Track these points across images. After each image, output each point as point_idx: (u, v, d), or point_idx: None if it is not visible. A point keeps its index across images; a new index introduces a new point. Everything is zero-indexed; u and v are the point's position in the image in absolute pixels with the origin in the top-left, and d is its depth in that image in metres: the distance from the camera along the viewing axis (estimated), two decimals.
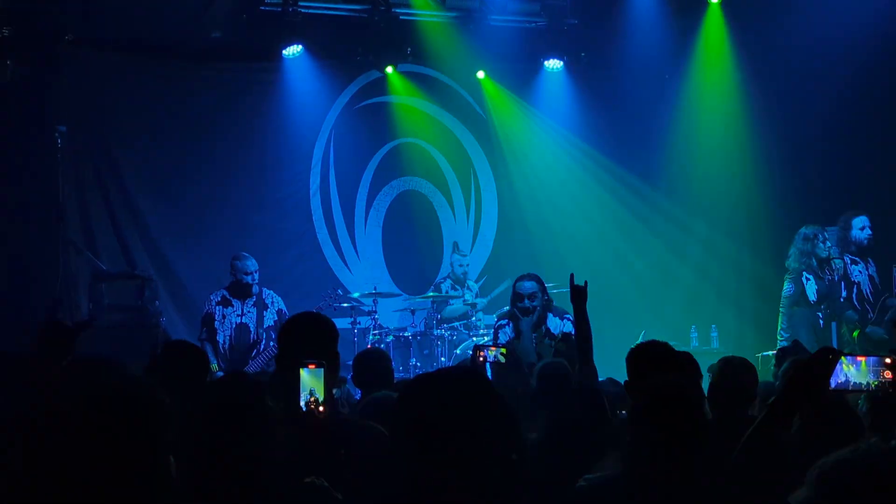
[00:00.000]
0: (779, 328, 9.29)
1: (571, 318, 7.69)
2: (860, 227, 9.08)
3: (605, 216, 12.21)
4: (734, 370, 4.60)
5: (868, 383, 2.70)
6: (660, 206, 12.04)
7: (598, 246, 12.02)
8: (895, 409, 3.29)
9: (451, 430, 2.32)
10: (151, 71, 10.64)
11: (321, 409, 3.15)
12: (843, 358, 2.71)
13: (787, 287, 9.24)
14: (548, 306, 8.14)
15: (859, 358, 2.73)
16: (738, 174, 11.82)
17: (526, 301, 8.06)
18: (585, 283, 5.39)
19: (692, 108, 11.85)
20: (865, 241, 9.09)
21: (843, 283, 9.09)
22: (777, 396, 2.74)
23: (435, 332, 10.30)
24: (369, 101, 11.77)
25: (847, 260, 9.15)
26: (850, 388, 2.73)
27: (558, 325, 8.01)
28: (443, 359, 10.15)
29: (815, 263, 9.13)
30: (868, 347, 8.21)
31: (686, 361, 4.31)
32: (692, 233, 12.11)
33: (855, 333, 9.02)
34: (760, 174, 11.67)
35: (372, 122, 11.80)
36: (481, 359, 5.67)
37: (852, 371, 2.71)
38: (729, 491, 2.81)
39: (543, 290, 8.15)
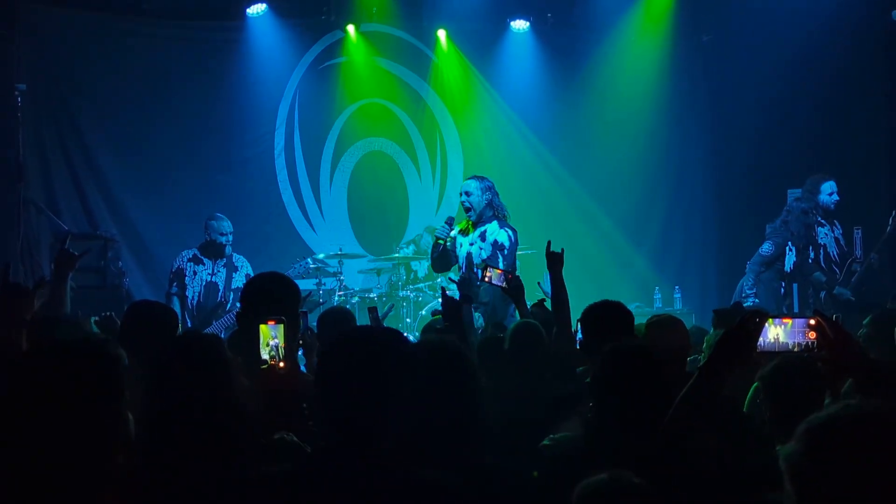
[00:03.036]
0: (743, 285, 9.37)
1: (512, 234, 7.86)
2: (829, 192, 9.20)
3: (572, 176, 12.23)
4: (661, 329, 4.66)
5: (795, 344, 2.75)
6: (626, 166, 12.07)
7: (565, 206, 12.07)
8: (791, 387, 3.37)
9: (361, 383, 2.50)
10: (113, 28, 10.47)
11: (281, 364, 3.21)
12: (770, 320, 2.76)
13: (766, 247, 9.32)
14: (494, 213, 8.00)
15: (786, 320, 2.77)
16: (701, 133, 11.99)
17: (462, 196, 8.06)
18: (562, 249, 5.51)
19: (648, 69, 11.98)
20: (832, 206, 9.22)
21: (810, 246, 9.21)
22: (706, 360, 2.80)
23: (400, 294, 10.32)
24: (334, 61, 11.68)
25: (816, 217, 9.26)
26: (778, 349, 2.78)
27: (494, 232, 7.91)
28: (408, 320, 10.17)
29: (803, 240, 9.25)
30: (835, 309, 8.36)
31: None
32: (657, 193, 12.20)
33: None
34: (725, 134, 11.80)
35: (337, 83, 11.72)
36: (487, 279, 5.93)
37: (780, 332, 2.76)
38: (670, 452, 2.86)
39: (487, 191, 8.00)
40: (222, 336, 6.31)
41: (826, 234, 9.25)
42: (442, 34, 11.86)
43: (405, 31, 11.87)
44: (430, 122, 12.26)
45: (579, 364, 4.71)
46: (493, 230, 7.92)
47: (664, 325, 4.68)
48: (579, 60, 12.09)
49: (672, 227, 12.28)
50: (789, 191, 10.01)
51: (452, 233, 8.08)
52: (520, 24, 11.76)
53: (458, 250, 8.05)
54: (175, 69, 10.75)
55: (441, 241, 7.97)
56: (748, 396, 4.28)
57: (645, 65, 12.00)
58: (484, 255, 7.78)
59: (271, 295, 3.71)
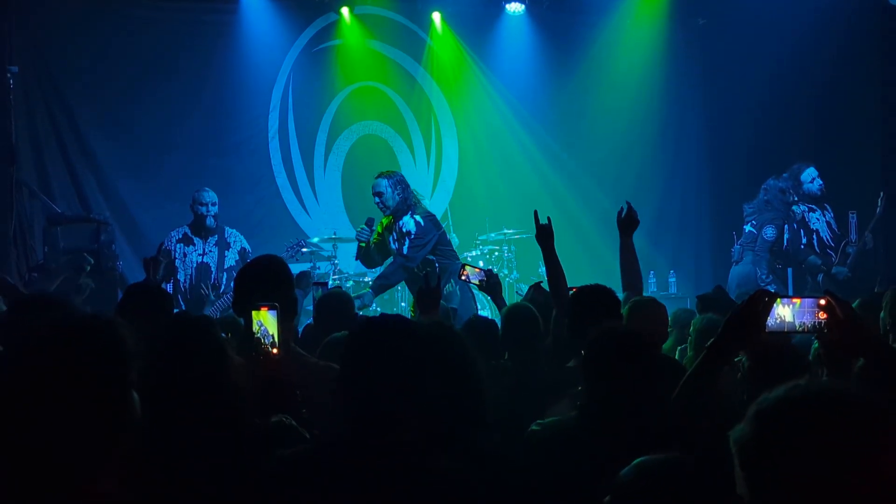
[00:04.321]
0: (755, 274, 9.40)
1: (420, 220, 7.89)
2: (809, 179, 9.28)
3: (569, 157, 12.20)
4: (640, 311, 4.65)
5: (803, 324, 2.72)
6: (622, 147, 12.03)
7: (563, 187, 12.06)
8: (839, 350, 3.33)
9: (390, 371, 2.52)
10: (106, 10, 10.38)
11: (274, 350, 3.19)
12: (777, 300, 2.73)
13: (769, 232, 9.34)
14: (407, 205, 8.13)
15: (794, 300, 2.74)
16: (696, 116, 12.00)
17: (375, 198, 8.21)
18: (548, 219, 5.19)
19: (643, 51, 11.96)
20: (818, 192, 9.30)
21: (801, 231, 9.23)
22: (715, 339, 2.78)
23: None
24: (328, 44, 11.62)
25: (805, 208, 9.29)
26: (786, 329, 2.76)
27: (405, 224, 8.05)
28: (402, 304, 10.15)
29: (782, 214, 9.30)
30: (834, 288, 8.39)
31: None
32: (653, 174, 12.18)
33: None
34: (721, 117, 11.80)
35: (331, 65, 11.67)
36: (464, 278, 5.91)
37: (787, 313, 2.73)
38: (677, 433, 2.84)
39: (398, 186, 8.16)
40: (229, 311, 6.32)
41: (818, 219, 9.31)
42: (437, 16, 11.80)
43: (399, 13, 11.81)
44: (425, 105, 12.21)
45: (578, 351, 4.68)
46: (404, 221, 8.10)
47: (644, 306, 4.67)
48: (574, 43, 12.05)
49: (667, 209, 12.27)
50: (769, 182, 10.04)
51: (372, 237, 8.27)
52: (515, 7, 11.71)
53: (392, 247, 8.24)
54: (168, 52, 10.68)
55: (362, 244, 8.13)
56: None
57: (640, 48, 11.98)
58: (405, 250, 8.00)
59: (264, 281, 3.69)
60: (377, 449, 2.48)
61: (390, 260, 8.25)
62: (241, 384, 2.81)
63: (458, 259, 8.57)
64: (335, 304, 5.57)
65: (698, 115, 12.25)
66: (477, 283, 5.98)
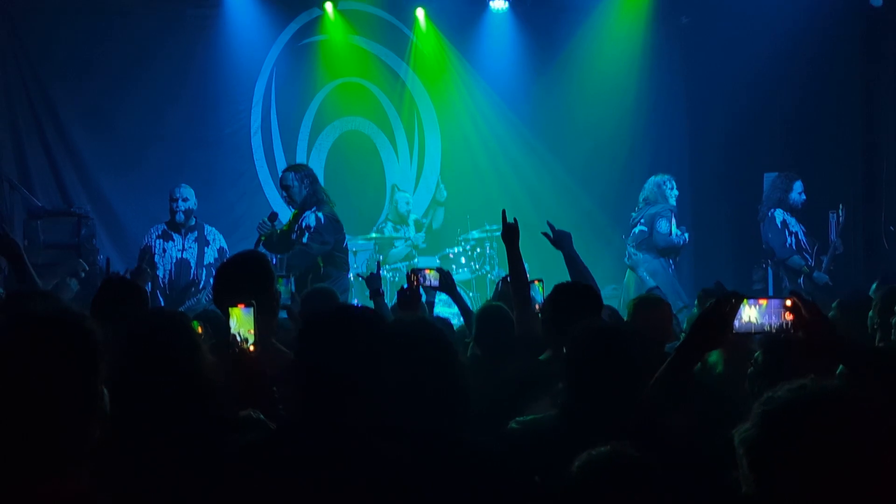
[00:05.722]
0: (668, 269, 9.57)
1: (321, 217, 7.83)
2: (799, 190, 9.44)
3: (552, 154, 12.21)
4: (644, 309, 4.70)
5: (770, 325, 2.76)
6: (605, 145, 12.05)
7: (546, 184, 12.07)
8: (788, 353, 3.37)
9: (340, 365, 2.57)
10: (88, 4, 10.35)
11: (251, 347, 3.20)
12: (745, 301, 2.76)
13: (664, 224, 9.45)
14: (315, 200, 8.01)
15: (761, 301, 2.78)
16: (678, 114, 12.08)
17: (282, 192, 8.15)
18: (515, 220, 5.23)
19: (626, 49, 12.00)
20: (800, 205, 9.45)
21: (785, 231, 9.36)
22: (683, 341, 2.81)
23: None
24: (311, 39, 11.61)
25: (783, 212, 9.43)
26: (753, 330, 2.79)
27: (306, 218, 7.92)
28: (386, 300, 10.13)
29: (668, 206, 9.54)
30: (815, 292, 8.58)
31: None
32: (635, 173, 12.20)
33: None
34: (702, 116, 11.86)
35: (314, 61, 11.65)
36: (419, 283, 5.80)
37: (754, 313, 2.76)
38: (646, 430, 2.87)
39: (305, 179, 8.04)
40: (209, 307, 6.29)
41: (796, 224, 9.46)
42: (420, 13, 11.80)
43: (383, 9, 11.79)
44: (408, 102, 12.21)
45: (545, 345, 4.71)
46: (306, 216, 7.96)
47: (648, 303, 4.73)
48: (558, 41, 12.06)
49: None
50: (766, 174, 10.09)
51: (282, 227, 8.12)
52: (499, 4, 11.72)
53: (292, 238, 8.04)
54: (150, 46, 10.63)
55: (262, 237, 7.94)
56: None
57: (624, 45, 11.99)
58: (304, 241, 7.83)
59: (245, 277, 3.71)
60: (322, 433, 2.51)
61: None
62: (213, 379, 2.81)
63: (348, 271, 8.44)
64: (321, 299, 5.59)
65: (681, 112, 12.29)
66: (433, 285, 5.79)
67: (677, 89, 12.27)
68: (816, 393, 1.88)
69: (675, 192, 9.67)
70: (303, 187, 8.01)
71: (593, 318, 3.77)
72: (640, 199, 9.75)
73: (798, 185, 9.44)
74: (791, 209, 9.43)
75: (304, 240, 7.82)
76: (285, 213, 8.44)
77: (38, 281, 4.97)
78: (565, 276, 5.02)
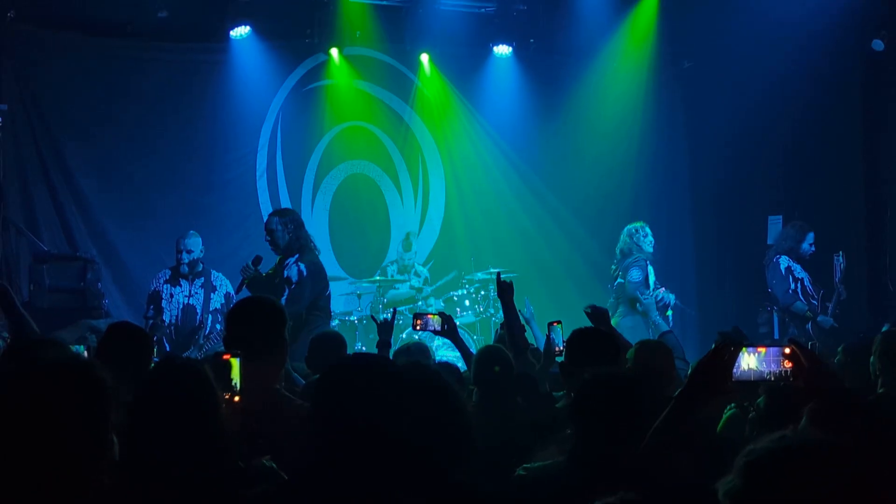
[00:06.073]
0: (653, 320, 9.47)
1: (303, 267, 7.80)
2: (810, 242, 9.49)
3: (555, 197, 12.25)
4: (649, 353, 4.70)
5: (769, 373, 2.75)
6: (608, 187, 12.07)
7: (550, 227, 12.10)
8: (790, 399, 3.36)
9: (361, 415, 2.56)
10: (96, 50, 10.45)
11: (236, 398, 3.20)
12: (743, 349, 2.76)
13: (635, 273, 9.43)
14: (299, 246, 7.98)
15: (760, 349, 2.77)
16: (680, 157, 12.13)
17: (267, 237, 8.04)
18: (510, 280, 5.65)
19: (629, 94, 12.06)
20: (808, 256, 9.49)
21: (789, 278, 9.38)
22: (682, 389, 2.80)
23: (381, 317, 10.28)
24: (317, 84, 11.69)
25: (789, 260, 9.44)
26: (753, 378, 2.78)
27: (287, 268, 7.89)
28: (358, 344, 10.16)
29: (643, 255, 9.52)
30: (821, 336, 8.58)
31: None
32: (637, 215, 12.22)
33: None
34: (704, 159, 11.91)
35: (319, 105, 11.73)
36: (419, 326, 5.83)
37: (753, 361, 2.76)
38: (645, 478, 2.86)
39: (290, 224, 8.00)
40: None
41: (801, 270, 9.49)
42: (425, 58, 11.90)
43: (388, 54, 11.89)
44: (413, 146, 12.28)
45: (542, 385, 4.73)
46: (288, 264, 7.94)
47: (650, 347, 4.74)
48: (561, 85, 12.15)
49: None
50: (770, 217, 10.14)
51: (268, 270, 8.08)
52: (502, 49, 11.82)
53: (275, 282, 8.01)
54: (158, 91, 10.73)
55: (246, 280, 7.96)
56: (722, 420, 4.30)
57: (626, 90, 12.07)
58: (283, 300, 7.68)
59: (256, 323, 3.70)
60: (344, 490, 2.49)
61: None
62: (225, 427, 2.81)
63: (329, 317, 8.38)
64: (329, 344, 5.58)
65: (683, 156, 12.34)
66: (436, 330, 5.88)
67: (679, 133, 12.34)
68: (797, 443, 1.88)
69: (650, 238, 9.65)
70: (286, 232, 7.99)
71: (606, 366, 3.76)
72: (617, 251, 9.76)
73: (810, 237, 9.48)
74: (799, 258, 9.45)
75: (283, 299, 7.69)
76: (271, 258, 8.39)
77: (35, 328, 4.94)
78: (584, 318, 5.09)
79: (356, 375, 2.66)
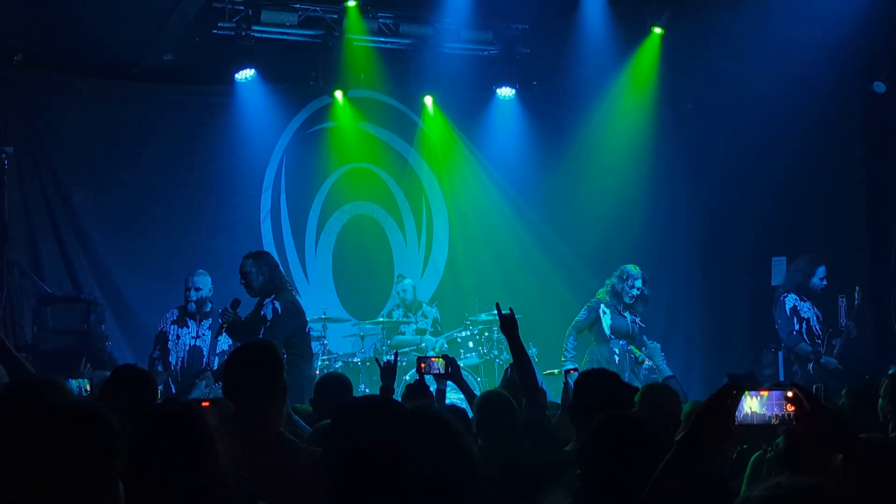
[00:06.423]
0: (565, 348, 9.43)
1: (279, 306, 7.80)
2: (821, 276, 9.43)
3: (560, 239, 12.26)
4: (656, 396, 4.67)
5: (773, 416, 2.73)
6: (613, 230, 12.07)
7: (554, 269, 12.09)
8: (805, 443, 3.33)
9: (372, 459, 2.56)
10: (102, 93, 10.54)
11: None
12: (746, 393, 2.74)
13: (581, 312, 9.46)
14: (273, 288, 7.99)
15: (762, 392, 2.76)
16: (684, 199, 12.15)
17: (242, 279, 8.06)
18: (510, 310, 5.12)
19: (632, 136, 12.11)
20: (819, 290, 9.42)
21: (794, 318, 9.33)
22: (684, 434, 2.78)
23: (384, 359, 10.24)
24: (321, 126, 11.75)
25: (795, 297, 9.39)
26: (755, 421, 2.76)
27: (264, 308, 7.90)
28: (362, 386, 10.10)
29: (615, 301, 9.43)
30: (825, 378, 8.51)
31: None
32: (642, 257, 12.21)
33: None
34: (708, 200, 11.94)
35: (324, 147, 11.78)
36: (425, 371, 5.78)
37: (756, 405, 2.74)
38: None
39: (264, 266, 8.05)
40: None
41: (808, 309, 9.43)
42: (429, 100, 11.97)
43: (392, 96, 11.97)
44: (416, 187, 12.32)
45: (555, 432, 4.67)
46: (265, 304, 7.97)
47: (656, 392, 4.71)
48: (564, 127, 12.20)
49: (656, 293, 12.23)
50: (773, 259, 10.13)
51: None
52: (506, 92, 11.87)
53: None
54: (163, 133, 10.80)
55: (225, 325, 7.95)
56: (748, 466, 4.24)
57: (629, 132, 12.12)
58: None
59: (253, 369, 3.69)
60: None
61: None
62: (225, 471, 2.79)
63: (310, 359, 8.39)
64: (333, 387, 5.55)
65: (686, 197, 12.37)
66: (440, 373, 5.77)
67: (682, 174, 12.36)
68: (791, 490, 1.88)
69: (635, 291, 9.47)
70: (260, 274, 8.04)
71: (614, 410, 3.73)
72: (607, 283, 9.74)
73: (821, 271, 9.41)
74: (809, 293, 9.39)
75: (262, 333, 7.72)
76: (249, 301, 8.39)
77: (30, 368, 4.92)
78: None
79: (370, 420, 2.64)
